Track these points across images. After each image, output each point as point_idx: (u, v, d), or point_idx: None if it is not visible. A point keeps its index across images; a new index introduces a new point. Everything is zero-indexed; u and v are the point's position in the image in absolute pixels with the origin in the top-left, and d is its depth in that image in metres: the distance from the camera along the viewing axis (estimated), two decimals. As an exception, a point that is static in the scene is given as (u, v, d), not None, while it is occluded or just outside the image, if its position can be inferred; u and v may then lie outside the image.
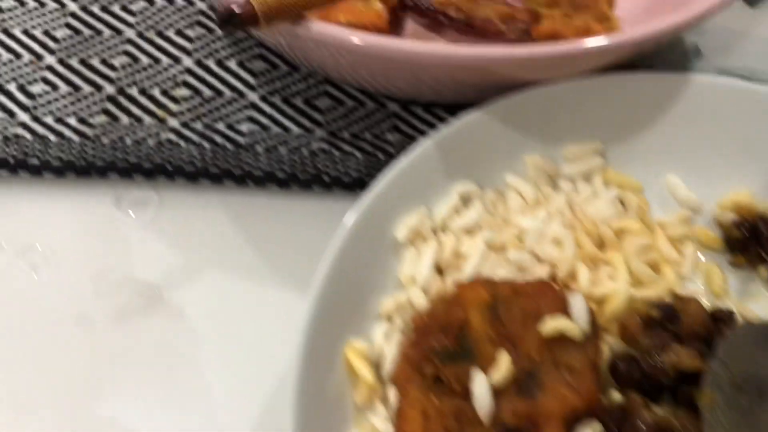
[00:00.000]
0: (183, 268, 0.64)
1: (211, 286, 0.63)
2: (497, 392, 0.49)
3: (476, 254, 0.57)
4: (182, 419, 0.57)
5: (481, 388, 0.48)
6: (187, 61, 0.73)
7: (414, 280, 0.56)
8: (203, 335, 0.61)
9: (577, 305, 0.52)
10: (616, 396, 0.53)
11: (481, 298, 0.53)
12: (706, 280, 0.61)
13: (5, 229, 0.66)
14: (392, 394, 0.51)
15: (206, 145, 0.69)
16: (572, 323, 0.51)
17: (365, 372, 0.51)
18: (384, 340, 0.53)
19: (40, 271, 0.64)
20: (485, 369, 0.50)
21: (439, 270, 0.57)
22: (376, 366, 0.52)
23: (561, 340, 0.51)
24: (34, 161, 0.68)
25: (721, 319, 0.56)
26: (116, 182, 0.68)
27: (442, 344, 0.51)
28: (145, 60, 0.73)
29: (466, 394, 0.49)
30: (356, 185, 0.67)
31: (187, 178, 0.68)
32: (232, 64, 0.73)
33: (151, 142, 0.69)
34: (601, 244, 0.60)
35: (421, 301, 0.55)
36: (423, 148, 0.58)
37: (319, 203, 0.68)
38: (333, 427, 0.50)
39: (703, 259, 0.62)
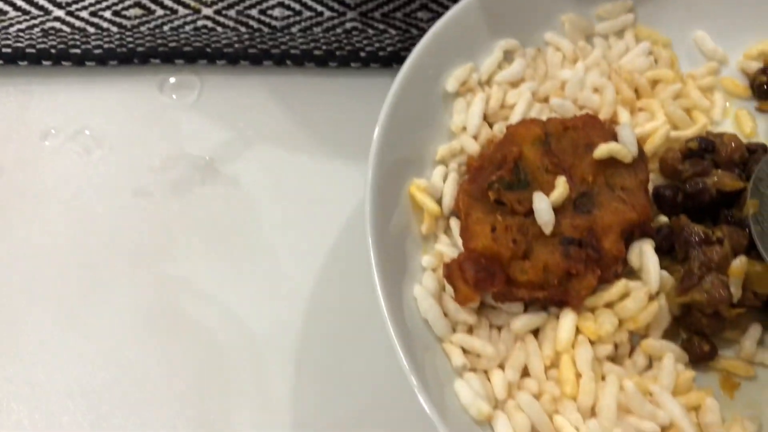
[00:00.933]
0: (232, 143, 0.66)
1: (262, 157, 0.65)
2: (556, 211, 0.51)
3: (522, 103, 0.59)
4: (249, 275, 0.59)
5: (542, 203, 0.51)
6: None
7: (465, 129, 0.58)
8: (260, 200, 0.63)
9: (625, 131, 0.54)
10: (664, 220, 0.56)
11: (534, 133, 0.55)
12: (736, 124, 0.64)
13: (53, 117, 0.67)
14: (454, 224, 0.54)
15: (242, 29, 0.71)
16: (622, 146, 0.53)
17: (429, 202, 0.53)
18: (442, 180, 0.56)
19: (93, 153, 0.65)
20: (544, 193, 0.52)
21: (487, 121, 0.60)
22: (437, 203, 0.55)
23: (612, 164, 0.54)
24: (76, 51, 0.69)
25: (755, 150, 0.59)
26: (158, 68, 0.70)
27: (499, 177, 0.53)
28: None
29: (527, 214, 0.51)
30: (392, 60, 0.69)
31: (228, 60, 0.69)
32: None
33: (188, 28, 0.70)
34: (637, 93, 0.63)
35: (473, 147, 0.57)
36: (466, 4, 0.60)
37: (356, 80, 0.70)
38: (403, 253, 0.52)
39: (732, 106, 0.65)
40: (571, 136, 0.55)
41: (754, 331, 0.52)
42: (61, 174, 0.64)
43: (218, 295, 0.58)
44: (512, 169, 0.53)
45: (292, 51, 0.69)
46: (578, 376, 0.48)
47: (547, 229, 0.50)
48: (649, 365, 0.51)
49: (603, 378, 0.49)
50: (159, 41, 0.69)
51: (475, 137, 0.58)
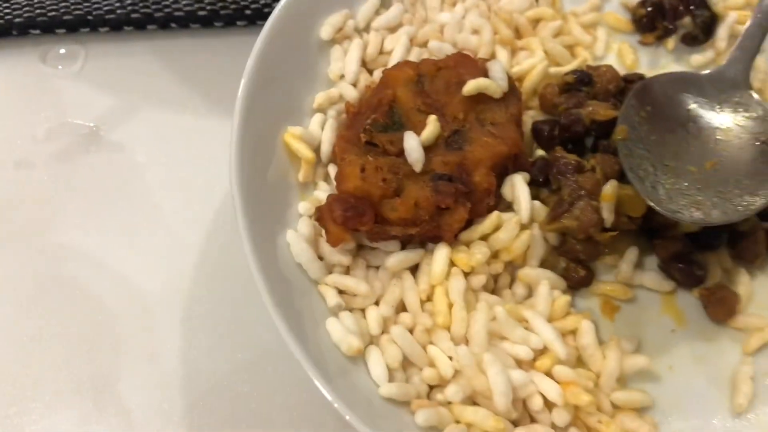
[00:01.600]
0: (117, 109, 0.65)
1: (146, 121, 0.64)
2: (428, 149, 0.51)
3: (400, 48, 0.59)
4: (138, 237, 0.59)
5: (412, 142, 0.51)
6: None
7: (343, 76, 0.58)
8: (146, 164, 0.62)
9: (495, 67, 0.54)
10: (541, 153, 0.56)
11: (407, 75, 0.55)
12: (618, 57, 0.64)
13: (-68, 94, 0.66)
14: (332, 171, 0.54)
15: (125, -7, 0.70)
16: (491, 81, 0.53)
17: (303, 149, 0.53)
18: (320, 127, 0.55)
19: (-27, 128, 0.64)
20: (417, 134, 0.52)
21: (366, 68, 0.60)
22: (315, 151, 0.54)
23: (483, 100, 0.54)
24: (-51, 24, 0.67)
25: (632, 80, 0.59)
26: (40, 39, 0.68)
27: (374, 120, 0.52)
28: None
29: (399, 154, 0.51)
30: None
31: (111, 27, 0.68)
32: None
33: (68, -4, 0.69)
34: (518, 33, 0.63)
35: (351, 94, 0.57)
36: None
37: (243, 38, 0.68)
38: (278, 201, 0.52)
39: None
40: (444, 76, 0.55)
41: (631, 254, 0.53)
42: (-60, 150, 0.62)
43: (107, 260, 0.58)
44: (387, 111, 0.53)
45: (176, 13, 0.68)
46: (451, 306, 0.48)
47: (417, 167, 0.50)
48: (530, 295, 0.52)
49: (478, 308, 0.49)
50: (38, 11, 0.68)
51: (354, 84, 0.58)
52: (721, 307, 0.52)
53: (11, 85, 0.66)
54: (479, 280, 0.50)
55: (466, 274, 0.50)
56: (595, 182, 0.52)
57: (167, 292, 0.56)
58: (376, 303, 0.50)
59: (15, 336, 0.55)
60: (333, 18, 0.59)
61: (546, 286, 0.50)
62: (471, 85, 0.53)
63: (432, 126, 0.52)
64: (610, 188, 0.51)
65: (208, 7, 0.69)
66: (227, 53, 0.68)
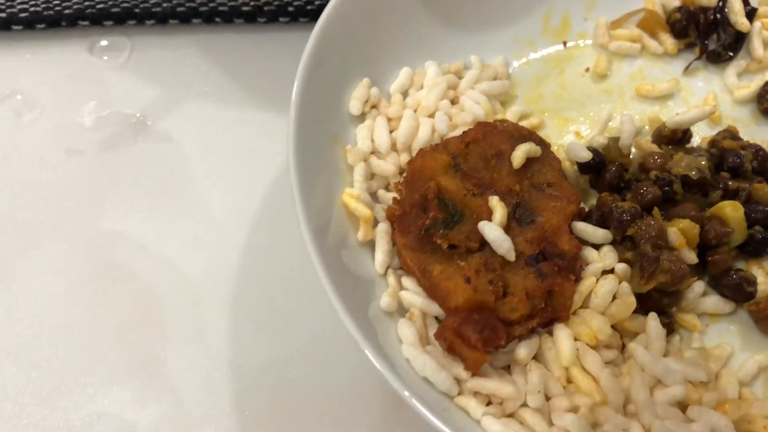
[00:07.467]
0: (163, 100, 0.67)
1: (193, 113, 0.66)
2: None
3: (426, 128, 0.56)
4: (184, 224, 0.60)
5: (495, 232, 0.48)
6: None
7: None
8: (191, 154, 0.64)
9: (523, 129, 0.55)
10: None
11: (444, 161, 0.52)
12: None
13: (-19, 83, 0.67)
14: (408, 281, 0.50)
15: (171, -13, 0.71)
16: (531, 144, 0.53)
17: (361, 208, 0.52)
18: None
19: (24, 116, 0.66)
20: (482, 219, 0.50)
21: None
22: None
23: (528, 164, 0.53)
24: (2, 15, 0.69)
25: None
26: (87, 30, 0.70)
27: (433, 218, 0.50)
28: None
29: (482, 247, 0.49)
30: (320, 13, 0.70)
31: (156, 20, 0.70)
32: None
33: (116, -11, 0.71)
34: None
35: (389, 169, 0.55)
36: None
37: (285, 34, 0.71)
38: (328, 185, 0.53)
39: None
40: (476, 151, 0.53)
41: (697, 287, 0.52)
42: (-7, 137, 0.64)
43: (154, 247, 0.59)
44: (438, 205, 0.50)
45: (221, 8, 0.70)
46: (596, 381, 0.47)
47: (512, 256, 0.48)
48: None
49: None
50: (86, 3, 0.70)
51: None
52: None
53: (60, 75, 0.68)
54: (612, 353, 0.48)
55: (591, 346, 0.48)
56: (659, 228, 0.51)
57: (214, 278, 0.58)
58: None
59: (66, 319, 0.56)
60: (358, 92, 0.58)
61: (655, 320, 0.49)
62: (520, 156, 0.52)
63: (500, 208, 0.50)
64: (680, 235, 0.51)
65: (252, 3, 0.70)
66: (270, 49, 0.70)
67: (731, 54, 0.64)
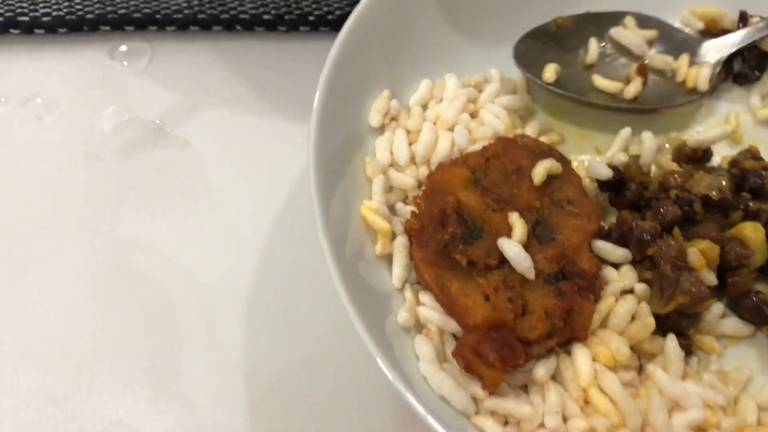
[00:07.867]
0: (182, 106, 0.67)
1: (212, 120, 0.66)
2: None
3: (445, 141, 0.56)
4: (201, 232, 0.60)
5: (516, 249, 0.47)
6: None
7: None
8: (210, 161, 0.64)
9: (543, 145, 0.55)
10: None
11: (464, 175, 0.52)
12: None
13: (4, 85, 0.68)
14: (425, 296, 0.50)
15: (192, -6, 0.72)
16: (552, 160, 0.52)
17: (379, 221, 0.52)
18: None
19: (44, 119, 0.66)
20: (501, 235, 0.49)
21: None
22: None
23: (548, 181, 0.52)
24: (24, 18, 0.69)
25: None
26: (108, 35, 0.70)
27: (452, 234, 0.49)
28: None
29: (500, 263, 0.48)
30: (341, 23, 0.69)
31: (177, 26, 0.70)
32: None
33: (138, -6, 0.71)
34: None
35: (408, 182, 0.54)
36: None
37: (305, 43, 0.71)
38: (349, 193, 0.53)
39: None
40: (496, 166, 0.53)
41: (716, 308, 0.52)
42: (12, 140, 0.65)
43: (170, 252, 0.60)
44: (457, 220, 0.50)
45: (242, 16, 0.70)
46: (614, 403, 0.46)
47: (531, 274, 0.48)
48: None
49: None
50: (108, 8, 0.70)
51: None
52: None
53: (80, 79, 0.68)
54: (630, 374, 0.48)
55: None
56: (680, 249, 0.50)
57: (229, 285, 0.58)
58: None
59: (82, 323, 0.56)
60: (378, 104, 0.58)
61: (674, 341, 0.49)
62: (541, 173, 0.52)
63: (520, 224, 0.49)
64: (700, 256, 0.50)
65: (273, 12, 0.71)
66: (290, 57, 0.70)
67: (758, 74, 0.64)
